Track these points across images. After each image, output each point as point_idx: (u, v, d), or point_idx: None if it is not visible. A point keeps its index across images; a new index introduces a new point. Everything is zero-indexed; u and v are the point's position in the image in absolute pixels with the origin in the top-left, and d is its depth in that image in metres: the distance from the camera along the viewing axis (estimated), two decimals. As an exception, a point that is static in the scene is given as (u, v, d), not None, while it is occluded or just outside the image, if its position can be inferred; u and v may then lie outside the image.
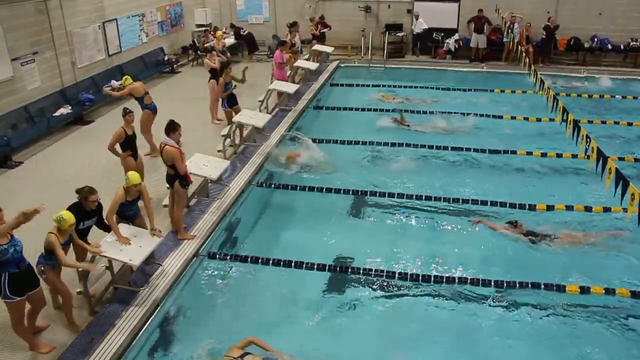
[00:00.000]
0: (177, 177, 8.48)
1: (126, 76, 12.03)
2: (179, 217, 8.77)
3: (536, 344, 7.06)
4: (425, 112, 14.92)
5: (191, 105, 14.96)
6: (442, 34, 20.74)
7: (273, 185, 11.00)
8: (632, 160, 12.08)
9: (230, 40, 20.05)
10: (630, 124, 14.20)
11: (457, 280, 8.04)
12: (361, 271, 8.28)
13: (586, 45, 20.06)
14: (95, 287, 7.47)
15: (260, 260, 8.44)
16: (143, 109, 11.33)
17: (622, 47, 19.85)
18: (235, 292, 7.98)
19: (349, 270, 8.35)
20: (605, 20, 19.91)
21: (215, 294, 7.97)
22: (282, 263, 8.38)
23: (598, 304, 7.74)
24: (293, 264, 8.33)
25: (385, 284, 8.10)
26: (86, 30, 15.44)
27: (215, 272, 8.38)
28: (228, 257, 8.60)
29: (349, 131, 13.55)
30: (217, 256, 8.61)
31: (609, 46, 19.91)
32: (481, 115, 14.57)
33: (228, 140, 11.95)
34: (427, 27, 20.39)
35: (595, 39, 19.99)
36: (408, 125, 13.93)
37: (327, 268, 8.33)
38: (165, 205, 9.13)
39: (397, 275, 8.17)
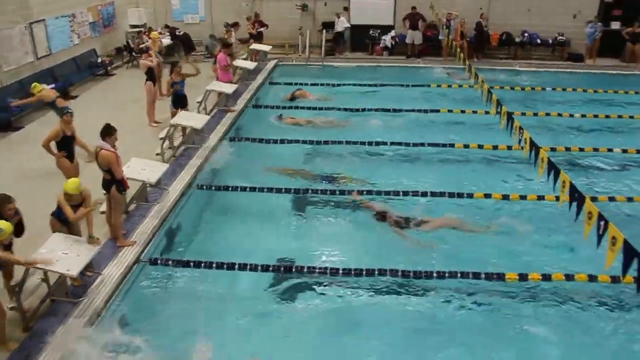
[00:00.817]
0: (113, 182, 8.23)
1: (34, 83, 11.73)
2: (118, 223, 8.53)
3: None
4: (363, 110, 15.06)
5: (127, 108, 14.57)
6: (379, 31, 20.98)
7: (214, 187, 10.85)
8: (563, 150, 12.55)
9: (166, 41, 19.63)
10: (560, 115, 14.75)
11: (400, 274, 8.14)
12: (305, 269, 8.26)
13: (517, 39, 20.78)
14: (29, 301, 7.16)
15: (203, 264, 8.29)
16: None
17: (550, 41, 20.74)
18: (179, 298, 7.80)
19: (293, 269, 8.32)
20: (534, 16, 20.69)
21: (159, 300, 7.77)
22: (225, 266, 8.26)
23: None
24: (237, 266, 8.23)
25: (329, 281, 8.11)
26: (11, 31, 14.78)
27: (158, 279, 8.17)
28: (170, 263, 8.41)
29: (289, 130, 13.54)
30: (159, 262, 8.39)
31: (538, 40, 20.74)
32: (419, 111, 14.83)
33: (166, 143, 11.72)
34: (349, 26, 20.54)
35: (525, 34, 20.73)
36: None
37: (271, 268, 8.28)
38: (102, 212, 8.87)
39: (340, 272, 8.19)
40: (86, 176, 9.10)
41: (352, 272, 8.15)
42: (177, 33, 20.33)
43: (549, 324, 7.34)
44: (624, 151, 12.56)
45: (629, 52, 20.10)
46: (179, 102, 12.61)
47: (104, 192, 8.44)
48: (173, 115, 12.46)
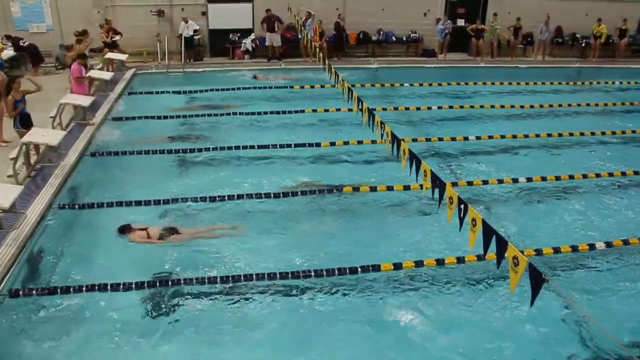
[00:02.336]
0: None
1: None
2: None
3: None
4: (229, 114, 14.83)
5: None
6: (239, 35, 20.85)
7: (77, 206, 10.12)
8: (424, 140, 13.17)
9: (8, 53, 18.00)
10: (418, 108, 15.47)
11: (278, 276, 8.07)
12: (182, 282, 7.93)
13: (374, 38, 21.60)
14: None
15: (72, 289, 7.64)
16: None
17: (404, 38, 21.80)
18: (49, 329, 7.09)
19: (170, 282, 7.95)
20: (388, 15, 21.61)
21: (24, 335, 6.98)
22: (97, 287, 7.69)
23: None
24: (109, 287, 7.71)
25: (207, 290, 7.85)
26: None
27: (21, 312, 7.39)
28: (34, 292, 7.67)
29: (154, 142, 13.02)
30: (21, 293, 7.64)
31: (393, 38, 21.73)
32: (284, 112, 14.88)
33: (19, 163, 10.76)
34: (198, 28, 20.20)
35: (381, 32, 21.62)
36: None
37: (145, 285, 7.86)
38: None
39: (219, 280, 7.96)
40: None
41: (225, 279, 7.96)
42: (21, 44, 18.75)
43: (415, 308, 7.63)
44: (478, 138, 13.42)
45: (474, 47, 21.66)
46: (24, 121, 11.66)
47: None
48: (20, 135, 11.45)
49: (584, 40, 23.31)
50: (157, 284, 7.92)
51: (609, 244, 9.21)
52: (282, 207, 10.16)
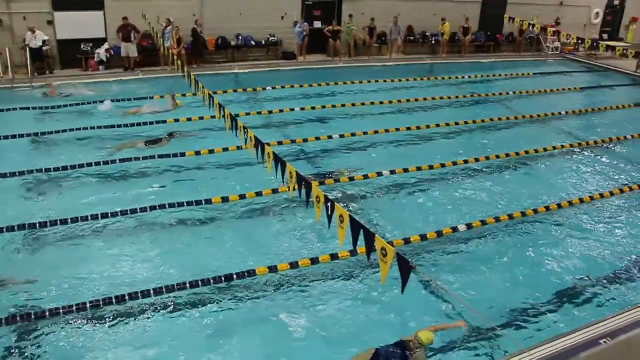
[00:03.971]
0: None
1: None
2: None
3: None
4: (78, 129, 13.91)
5: None
6: (91, 45, 19.77)
7: None
8: (289, 143, 13.27)
9: None
10: (282, 111, 15.56)
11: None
12: (47, 314, 7.31)
13: (233, 43, 21.42)
14: None
15: None
16: None
17: (263, 42, 21.85)
18: None
19: (23, 318, 7.27)
20: (246, 20, 21.48)
21: None
22: None
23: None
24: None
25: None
26: None
27: None
28: None
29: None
30: None
31: (253, 42, 21.69)
32: (145, 124, 14.27)
33: None
34: (47, 38, 18.92)
35: (240, 37, 21.48)
36: None
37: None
38: None
39: (89, 305, 7.44)
40: None
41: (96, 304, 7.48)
42: None
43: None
44: (342, 136, 13.77)
45: (332, 48, 22.25)
46: None
47: None
48: None
49: (434, 38, 24.79)
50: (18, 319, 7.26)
51: (469, 226, 9.83)
52: (142, 222, 9.71)
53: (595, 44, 23.46)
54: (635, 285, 8.65)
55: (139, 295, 7.65)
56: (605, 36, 29.31)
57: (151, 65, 20.02)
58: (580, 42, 24.01)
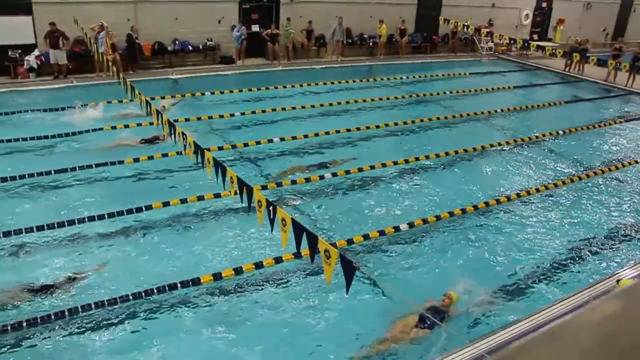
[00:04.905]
0: None
1: None
2: None
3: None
4: (16, 140, 13.41)
5: None
6: (20, 51, 19.02)
7: None
8: (229, 148, 13.14)
9: None
10: (221, 116, 15.40)
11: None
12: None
13: (169, 48, 21.03)
14: None
15: None
16: None
17: (200, 47, 21.55)
18: None
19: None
20: (182, 24, 21.13)
21: None
22: None
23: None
24: None
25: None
26: None
27: None
28: None
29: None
30: None
31: (190, 47, 21.34)
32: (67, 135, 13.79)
33: None
34: None
35: (177, 42, 21.12)
36: None
37: None
38: None
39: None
40: None
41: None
42: None
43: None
44: (282, 139, 13.71)
45: (271, 51, 22.18)
46: None
47: None
48: None
49: (371, 40, 25.10)
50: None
51: (411, 225, 9.97)
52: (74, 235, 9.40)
53: (526, 44, 24.34)
54: (567, 276, 8.99)
55: (65, 313, 7.33)
56: (535, 36, 30.50)
57: (85, 71, 19.41)
58: (512, 42, 24.88)
